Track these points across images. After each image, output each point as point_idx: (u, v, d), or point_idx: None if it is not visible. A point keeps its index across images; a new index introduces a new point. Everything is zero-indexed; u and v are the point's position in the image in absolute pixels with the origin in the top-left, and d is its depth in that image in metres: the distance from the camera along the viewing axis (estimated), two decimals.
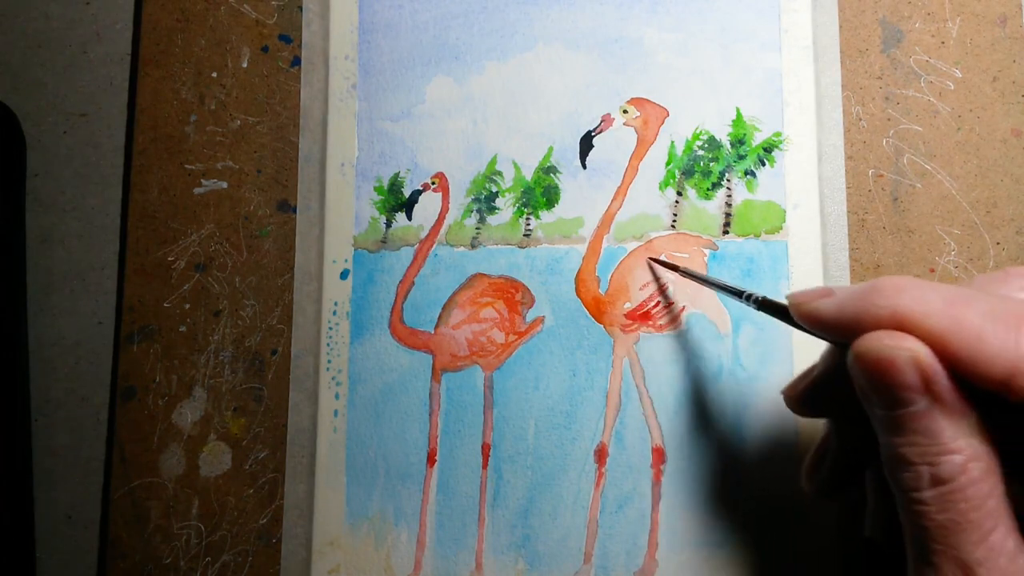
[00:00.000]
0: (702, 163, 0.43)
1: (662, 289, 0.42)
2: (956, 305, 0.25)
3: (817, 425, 0.40)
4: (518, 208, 0.44)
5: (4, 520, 0.42)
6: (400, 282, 0.44)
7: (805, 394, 0.32)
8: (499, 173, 0.44)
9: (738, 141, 0.43)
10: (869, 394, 0.26)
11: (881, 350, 0.25)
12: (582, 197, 0.43)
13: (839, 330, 0.27)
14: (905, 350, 0.25)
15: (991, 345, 0.24)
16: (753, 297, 0.33)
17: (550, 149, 0.44)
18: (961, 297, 0.25)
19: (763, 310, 0.33)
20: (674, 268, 0.41)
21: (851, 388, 0.27)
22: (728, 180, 0.43)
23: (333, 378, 0.43)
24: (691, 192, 0.43)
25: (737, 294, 0.35)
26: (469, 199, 0.44)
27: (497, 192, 0.44)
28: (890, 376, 0.25)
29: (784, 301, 0.30)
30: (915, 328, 0.25)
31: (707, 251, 0.42)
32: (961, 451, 0.24)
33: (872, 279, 0.27)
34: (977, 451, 0.25)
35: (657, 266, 0.42)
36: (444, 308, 0.43)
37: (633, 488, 0.41)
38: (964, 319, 0.24)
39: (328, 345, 0.43)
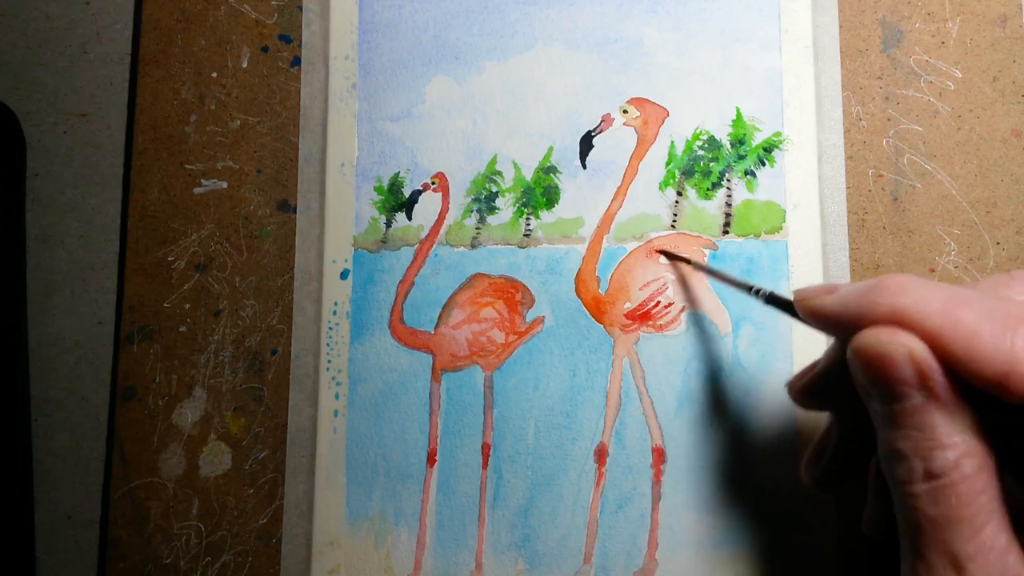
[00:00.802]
0: (702, 163, 0.43)
1: (662, 289, 0.42)
2: (955, 305, 0.25)
3: (817, 424, 0.40)
4: (518, 208, 0.44)
5: (4, 520, 0.42)
6: (400, 282, 0.44)
7: (808, 387, 0.32)
8: (499, 173, 0.44)
9: (738, 141, 0.43)
10: (867, 388, 0.27)
11: (878, 345, 0.26)
12: (582, 197, 0.43)
13: (841, 326, 0.28)
14: (901, 346, 0.25)
15: (986, 345, 0.24)
16: (761, 292, 0.34)
17: (550, 149, 0.44)
18: (961, 298, 0.25)
19: (770, 304, 0.33)
20: (686, 261, 0.41)
21: (853, 382, 0.28)
22: (728, 180, 0.43)
23: (333, 378, 0.43)
24: (691, 192, 0.43)
25: (745, 288, 0.35)
26: (469, 199, 0.44)
27: (497, 192, 0.44)
28: (887, 371, 0.25)
29: (790, 296, 0.31)
30: (914, 326, 0.25)
31: (707, 251, 0.42)
32: (955, 447, 0.25)
33: (876, 277, 0.27)
34: (971, 447, 0.25)
35: (663, 261, 0.42)
36: (444, 308, 0.43)
37: (633, 488, 0.41)
38: (962, 319, 0.25)
39: (328, 345, 0.43)
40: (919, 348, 0.25)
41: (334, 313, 0.44)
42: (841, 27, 0.43)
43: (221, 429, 0.43)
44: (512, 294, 0.43)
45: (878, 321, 0.26)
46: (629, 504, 0.41)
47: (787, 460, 0.40)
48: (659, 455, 0.41)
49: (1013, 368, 0.24)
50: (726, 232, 0.42)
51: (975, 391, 0.25)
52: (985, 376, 0.24)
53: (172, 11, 0.46)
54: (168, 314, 0.44)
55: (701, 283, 0.42)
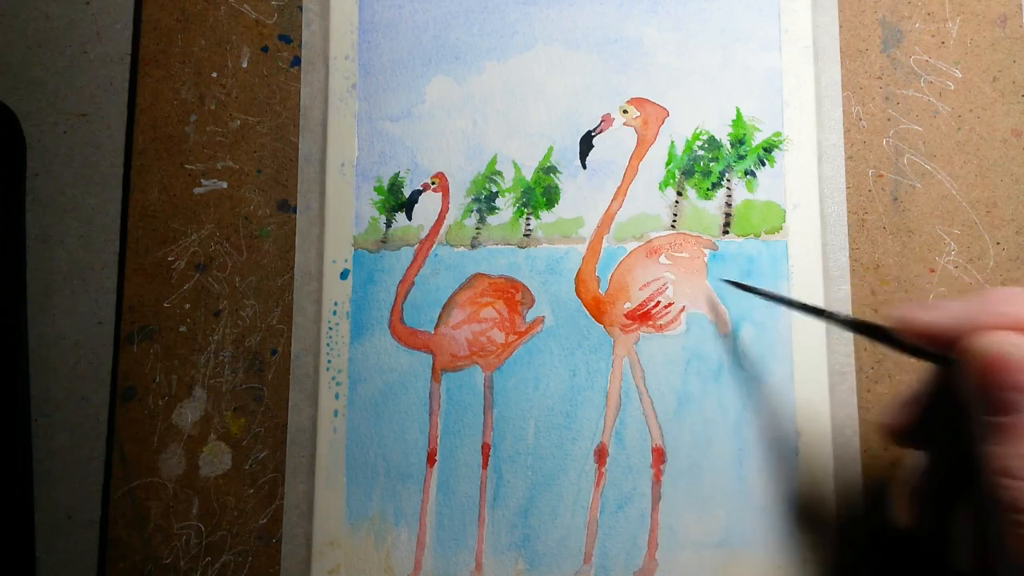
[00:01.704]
0: (702, 163, 0.43)
1: (662, 289, 0.42)
2: None
3: (817, 424, 0.40)
4: (518, 208, 0.44)
5: (4, 520, 0.42)
6: (400, 282, 0.44)
7: (906, 425, 0.30)
8: (499, 173, 0.44)
9: (738, 141, 0.43)
10: (977, 397, 0.24)
11: (998, 347, 0.24)
12: (582, 197, 0.43)
13: (950, 340, 0.25)
14: (1022, 349, 0.23)
15: None
16: (841, 317, 0.31)
17: (550, 149, 0.44)
18: None
19: (853, 330, 0.31)
20: (751, 290, 0.40)
21: (953, 414, 0.26)
22: (728, 180, 0.43)
23: (333, 378, 0.43)
24: (691, 192, 0.43)
25: (819, 313, 0.33)
26: (469, 199, 0.44)
27: (497, 192, 0.44)
28: (1005, 376, 0.23)
29: (879, 322, 0.29)
30: None
31: (707, 251, 0.42)
32: None
33: (977, 293, 0.26)
34: None
35: (660, 264, 0.42)
36: (444, 308, 0.43)
37: (633, 488, 0.41)
38: None
39: (328, 345, 0.43)
40: None
41: (334, 313, 0.44)
42: (841, 27, 0.43)
43: (221, 429, 0.43)
44: (512, 294, 0.43)
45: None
46: (629, 504, 0.41)
47: (787, 460, 0.40)
48: (659, 455, 0.41)
49: None
50: (726, 232, 0.42)
51: None
52: None
53: (172, 11, 0.46)
54: (168, 314, 0.44)
55: (701, 283, 0.42)
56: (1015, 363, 0.23)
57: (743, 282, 0.41)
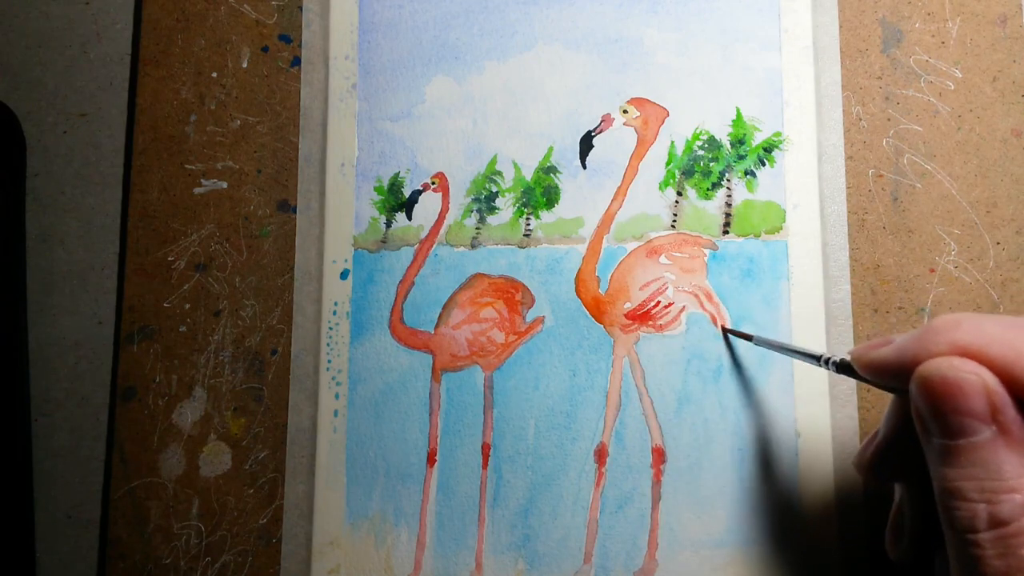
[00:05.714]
0: (702, 163, 0.43)
1: (662, 289, 0.42)
2: (1015, 332, 0.24)
3: (817, 424, 0.40)
4: (518, 208, 0.44)
5: (4, 520, 0.42)
6: (400, 282, 0.44)
7: (874, 460, 0.30)
8: (499, 173, 0.44)
9: (738, 141, 0.43)
10: (929, 421, 0.25)
11: (948, 372, 0.24)
12: (582, 197, 0.43)
13: (901, 372, 0.26)
14: (974, 375, 0.23)
15: None
16: (831, 360, 0.32)
17: (550, 149, 0.44)
18: (1018, 324, 0.24)
19: (842, 372, 0.31)
20: (747, 337, 0.40)
21: (917, 446, 0.26)
22: (728, 180, 0.43)
23: (333, 378, 0.43)
24: (691, 192, 0.43)
25: (815, 359, 0.33)
26: (469, 199, 0.44)
27: (497, 192, 0.44)
28: (955, 401, 0.24)
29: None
30: (977, 358, 0.24)
31: (707, 251, 0.42)
32: None
33: (927, 322, 0.26)
34: None
35: (660, 264, 0.42)
36: (444, 308, 0.43)
37: (633, 488, 0.41)
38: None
39: (328, 345, 0.43)
40: (991, 379, 0.23)
41: (334, 313, 0.44)
42: (841, 27, 0.43)
43: (221, 429, 0.43)
44: (512, 294, 0.43)
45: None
46: (629, 504, 0.41)
47: (787, 460, 0.40)
48: (659, 455, 0.41)
49: None
50: (726, 232, 0.42)
51: None
52: None
53: (172, 11, 0.46)
54: (168, 314, 0.44)
55: (701, 283, 0.42)
56: (966, 390, 0.24)
57: (738, 330, 0.41)
